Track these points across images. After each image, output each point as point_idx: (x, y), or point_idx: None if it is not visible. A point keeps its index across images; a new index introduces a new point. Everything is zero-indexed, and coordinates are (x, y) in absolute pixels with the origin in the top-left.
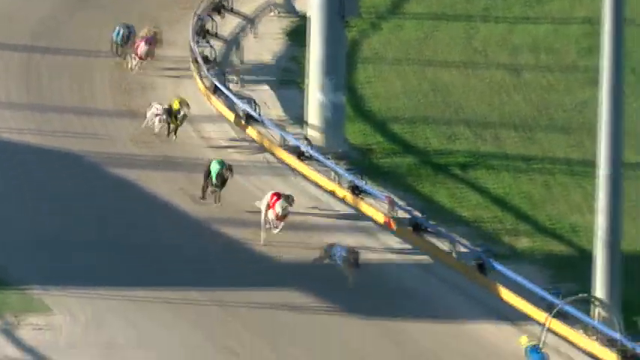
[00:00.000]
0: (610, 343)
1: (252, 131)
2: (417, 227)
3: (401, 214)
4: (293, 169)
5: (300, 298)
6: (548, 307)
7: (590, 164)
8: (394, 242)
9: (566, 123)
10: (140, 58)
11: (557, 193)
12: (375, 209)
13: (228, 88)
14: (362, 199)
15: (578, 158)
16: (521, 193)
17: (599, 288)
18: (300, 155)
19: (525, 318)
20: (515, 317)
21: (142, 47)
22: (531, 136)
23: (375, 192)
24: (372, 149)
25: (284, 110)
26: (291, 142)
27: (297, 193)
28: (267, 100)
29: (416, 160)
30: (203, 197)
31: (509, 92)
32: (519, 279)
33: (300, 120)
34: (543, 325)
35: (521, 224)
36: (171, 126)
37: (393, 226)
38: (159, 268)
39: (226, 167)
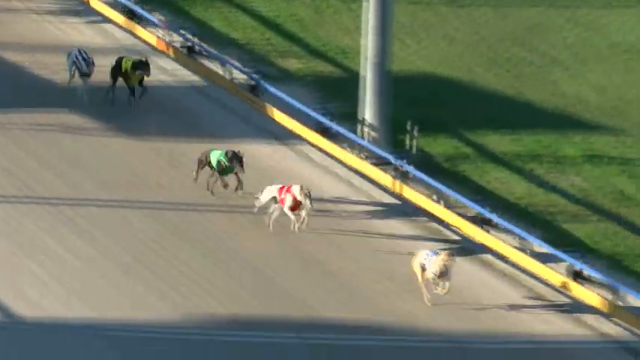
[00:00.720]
0: (380, 162)
1: None
2: (192, 50)
3: (175, 37)
4: None
5: (82, 122)
6: (318, 127)
7: None
8: (170, 65)
9: None
10: None
11: (328, 15)
12: (150, 33)
13: None
14: (137, 23)
15: None
16: (292, 15)
17: (367, 108)
18: None
19: (296, 138)
20: (286, 137)
21: None
22: None
23: (149, 16)
24: None
25: None
26: None
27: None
28: None
29: None
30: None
31: None
32: (290, 100)
33: None
34: None
35: (292, 46)
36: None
37: (168, 49)
38: None
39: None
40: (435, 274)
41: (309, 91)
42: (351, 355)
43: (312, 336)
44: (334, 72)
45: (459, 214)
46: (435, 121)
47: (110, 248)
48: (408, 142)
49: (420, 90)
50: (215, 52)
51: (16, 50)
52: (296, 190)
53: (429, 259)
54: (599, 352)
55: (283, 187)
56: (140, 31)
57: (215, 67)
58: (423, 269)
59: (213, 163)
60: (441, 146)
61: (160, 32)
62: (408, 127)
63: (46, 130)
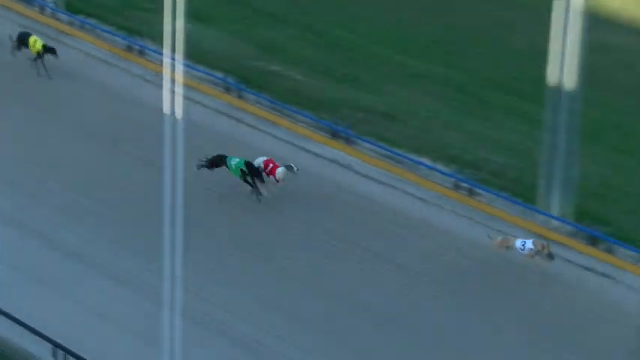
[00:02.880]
0: None
1: None
2: None
3: None
4: None
5: None
6: None
7: None
8: None
9: None
10: None
11: None
12: None
13: None
14: None
15: None
16: None
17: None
18: None
19: None
20: None
21: None
22: None
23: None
24: None
25: None
26: None
27: None
28: None
29: None
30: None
31: None
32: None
33: None
34: None
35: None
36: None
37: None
38: None
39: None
40: (532, 254)
41: None
42: None
43: None
44: None
45: None
46: None
47: None
48: None
49: None
50: None
51: None
52: (280, 172)
53: (525, 245)
54: None
55: (269, 160)
56: None
57: None
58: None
59: (234, 171)
60: None
61: None
62: None
63: None
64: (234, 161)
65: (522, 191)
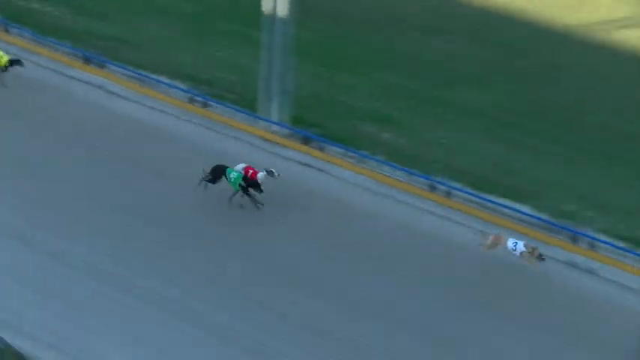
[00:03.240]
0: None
1: None
2: None
3: None
4: None
5: None
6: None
7: None
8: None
9: None
10: None
11: None
12: None
13: None
14: None
15: None
16: None
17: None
18: None
19: None
20: None
21: None
22: None
23: None
24: None
25: None
26: None
27: None
28: None
29: None
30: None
31: None
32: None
33: None
34: None
35: None
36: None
37: None
38: None
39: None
40: (523, 254)
41: None
42: None
43: None
44: None
45: None
46: None
47: None
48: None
49: None
50: None
51: None
52: (261, 176)
53: (516, 246)
54: None
55: (249, 167)
56: None
57: None
58: (496, 245)
59: (233, 184)
60: None
61: None
62: None
63: None
64: (233, 175)
65: (247, 103)
